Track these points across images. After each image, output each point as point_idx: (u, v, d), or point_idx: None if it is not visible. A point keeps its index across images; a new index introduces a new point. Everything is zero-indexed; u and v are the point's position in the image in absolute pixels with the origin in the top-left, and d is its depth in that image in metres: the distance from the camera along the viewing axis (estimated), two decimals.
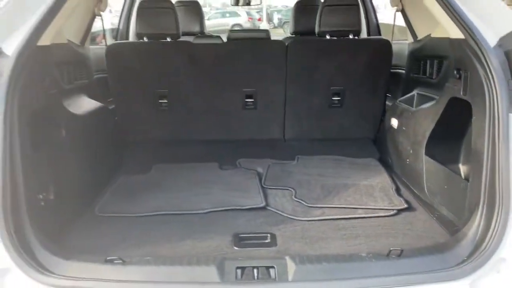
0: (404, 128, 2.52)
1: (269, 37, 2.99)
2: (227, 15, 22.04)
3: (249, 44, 2.95)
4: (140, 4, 2.88)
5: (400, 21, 2.97)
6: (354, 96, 3.02)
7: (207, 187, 2.39)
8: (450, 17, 1.93)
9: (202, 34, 4.01)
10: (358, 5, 2.89)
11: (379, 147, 2.99)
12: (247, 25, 22.06)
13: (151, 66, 2.92)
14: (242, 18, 21.48)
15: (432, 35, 2.49)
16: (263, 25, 22.39)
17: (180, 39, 2.95)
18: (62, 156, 2.03)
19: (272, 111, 3.08)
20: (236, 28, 21.62)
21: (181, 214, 2.10)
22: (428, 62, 2.53)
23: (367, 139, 3.12)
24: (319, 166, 2.71)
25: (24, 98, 1.63)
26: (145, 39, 2.88)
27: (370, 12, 3.89)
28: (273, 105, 3.06)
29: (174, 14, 2.84)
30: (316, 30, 2.93)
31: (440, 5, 2.02)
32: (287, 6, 22.65)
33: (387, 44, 2.88)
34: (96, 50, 3.07)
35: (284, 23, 22.78)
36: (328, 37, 2.91)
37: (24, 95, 1.63)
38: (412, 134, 2.40)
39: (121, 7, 3.99)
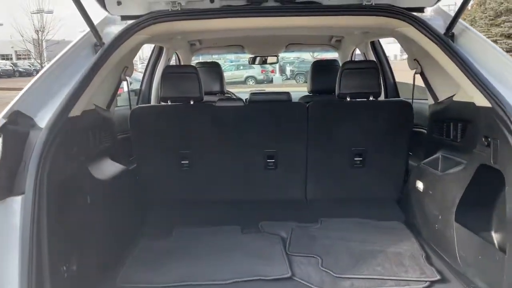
0: (430, 192, 2.47)
1: (290, 99, 3.04)
2: (241, 67, 22.68)
3: (270, 107, 3.00)
4: (165, 69, 2.98)
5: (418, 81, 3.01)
6: (376, 157, 3.00)
7: (230, 254, 2.33)
8: (473, 83, 1.94)
9: (222, 93, 4.11)
10: (377, 68, 2.94)
11: (403, 209, 2.92)
12: (260, 77, 22.63)
13: (174, 128, 2.96)
14: (255, 71, 22.06)
15: (455, 98, 2.50)
16: (276, 77, 22.89)
17: (203, 101, 3.01)
18: (85, 224, 2.01)
19: (294, 172, 3.07)
20: (251, 81, 22.36)
21: (204, 284, 2.03)
22: (452, 124, 2.52)
23: (391, 199, 3.05)
24: (343, 229, 2.64)
25: (53, 169, 1.65)
26: (169, 102, 2.95)
27: (387, 72, 3.96)
28: (294, 166, 3.05)
29: (197, 78, 2.92)
30: (337, 92, 2.97)
31: (462, 71, 2.05)
32: (298, 58, 23.25)
33: (408, 107, 2.89)
34: (120, 111, 3.15)
35: (297, 74, 23.34)
36: (348, 99, 2.94)
37: (53, 166, 1.65)
38: (440, 199, 2.34)
39: (143, 71, 4.14)
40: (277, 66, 23.38)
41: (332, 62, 4.08)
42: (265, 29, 3.23)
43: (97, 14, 2.49)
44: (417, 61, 2.90)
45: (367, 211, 2.90)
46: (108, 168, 2.53)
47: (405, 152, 2.99)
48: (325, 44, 4.81)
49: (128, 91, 3.06)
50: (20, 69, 35.45)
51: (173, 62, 4.85)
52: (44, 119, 1.74)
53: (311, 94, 4.07)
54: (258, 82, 22.53)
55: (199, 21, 2.30)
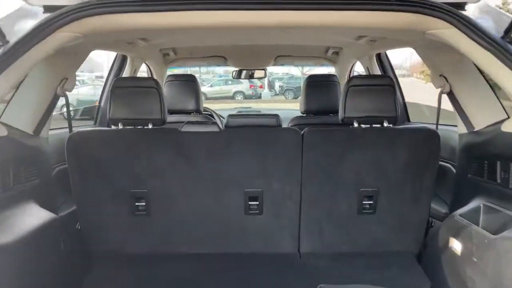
0: (475, 260, 1.77)
1: (279, 124, 2.33)
2: (229, 82, 22.13)
3: (253, 133, 2.29)
4: (116, 82, 2.27)
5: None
6: (391, 200, 2.31)
7: None
8: None
9: (197, 112, 3.39)
10: (393, 85, 2.27)
11: (428, 270, 2.22)
12: (249, 92, 22.11)
13: (124, 160, 2.24)
14: (244, 86, 21.53)
15: (504, 129, 1.84)
16: (265, 92, 22.45)
17: (166, 125, 2.31)
18: None
19: (283, 217, 2.35)
20: (239, 97, 21.80)
21: None
22: (499, 164, 1.85)
23: (410, 254, 2.35)
24: None
25: None
26: (120, 125, 2.24)
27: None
28: (285, 210, 2.34)
29: (159, 95, 2.22)
30: (340, 115, 2.29)
31: None
32: (287, 74, 22.88)
33: (434, 136, 2.22)
34: (63, 135, 2.41)
35: (286, 90, 22.92)
36: (356, 124, 2.27)
37: None
38: (493, 274, 1.64)
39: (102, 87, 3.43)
40: (265, 81, 22.96)
41: (330, 77, 3.41)
42: (251, 33, 2.56)
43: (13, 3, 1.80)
44: (445, 78, 2.25)
45: (380, 271, 2.21)
46: (27, 221, 1.80)
47: (429, 195, 2.31)
48: (320, 56, 4.16)
49: (68, 111, 2.34)
50: None
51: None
52: None
53: (304, 114, 3.38)
54: (247, 97, 22.11)
55: (151, 14, 1.62)
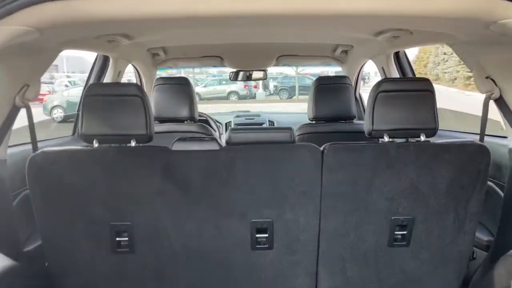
0: None
1: (293, 140, 1.90)
2: (223, 82, 21.68)
3: (261, 152, 1.85)
4: (88, 89, 1.82)
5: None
6: (429, 229, 1.90)
7: None
8: None
9: (191, 119, 2.94)
10: (433, 90, 1.85)
11: None
12: (243, 92, 21.70)
13: (101, 186, 1.81)
14: (238, 86, 21.12)
15: None
16: (260, 92, 22.13)
17: (155, 140, 1.87)
18: None
19: (298, 253, 1.93)
20: (233, 97, 21.41)
21: None
22: None
23: None
24: None
25: None
26: (95, 143, 1.80)
27: None
28: (300, 244, 1.91)
29: (143, 105, 1.79)
30: (367, 128, 1.87)
31: None
32: (281, 73, 22.56)
33: (484, 152, 1.81)
34: (27, 152, 1.97)
35: (280, 90, 22.60)
36: (386, 138, 1.85)
37: None
38: None
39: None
40: (260, 81, 22.54)
41: (342, 79, 2.97)
42: (251, 29, 2.14)
43: None
44: (493, 80, 1.84)
45: None
46: None
47: (474, 223, 1.90)
48: (327, 56, 3.74)
49: (31, 126, 1.89)
50: None
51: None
52: None
53: (313, 122, 2.94)
54: (241, 97, 21.77)
55: (122, 0, 1.19)
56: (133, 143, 1.81)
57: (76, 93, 13.41)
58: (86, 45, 2.32)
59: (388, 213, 1.87)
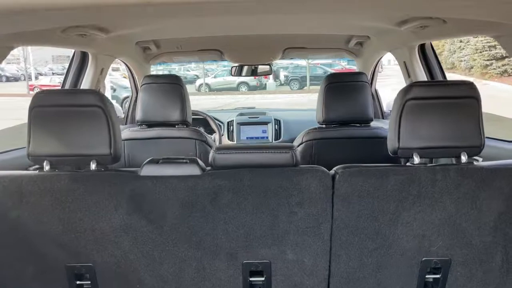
0: None
1: (296, 162, 1.49)
2: None
3: (255, 177, 1.46)
4: (34, 100, 1.44)
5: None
6: (470, 273, 1.50)
7: None
8: None
9: (184, 123, 2.54)
10: (478, 97, 1.44)
11: None
12: (253, 83, 21.34)
13: (55, 221, 1.44)
14: (248, 77, 20.74)
15: None
16: (270, 83, 21.77)
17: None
18: None
19: None
20: (243, 88, 21.07)
21: None
22: None
23: None
24: None
25: None
26: (47, 166, 1.43)
27: None
28: None
29: (106, 117, 1.41)
30: (392, 146, 1.47)
31: None
32: (292, 63, 22.11)
33: None
34: None
35: (291, 80, 22.18)
36: (416, 160, 1.44)
37: None
38: None
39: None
40: None
41: (357, 76, 2.53)
42: (254, 20, 1.75)
43: None
44: None
45: None
46: None
47: None
48: (339, 48, 3.30)
49: None
50: (7, 74, 34.75)
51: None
52: None
53: (323, 125, 2.52)
54: (251, 88, 21.48)
55: None
56: (93, 166, 1.44)
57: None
58: (49, 40, 1.93)
59: (417, 253, 1.47)
